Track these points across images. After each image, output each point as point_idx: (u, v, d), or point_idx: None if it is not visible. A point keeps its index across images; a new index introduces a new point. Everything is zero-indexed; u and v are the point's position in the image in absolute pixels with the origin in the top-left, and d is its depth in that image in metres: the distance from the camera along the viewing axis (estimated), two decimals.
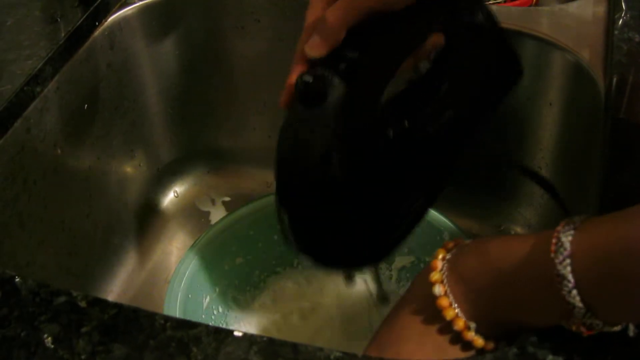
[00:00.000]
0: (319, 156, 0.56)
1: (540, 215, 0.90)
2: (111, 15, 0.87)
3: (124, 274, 0.94)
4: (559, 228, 0.48)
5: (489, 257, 0.54)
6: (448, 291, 0.55)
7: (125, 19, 0.88)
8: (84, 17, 0.83)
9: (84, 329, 0.53)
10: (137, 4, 0.89)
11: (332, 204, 0.58)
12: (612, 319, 0.47)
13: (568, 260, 0.46)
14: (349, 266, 0.66)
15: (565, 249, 0.47)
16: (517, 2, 1.06)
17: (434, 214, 0.81)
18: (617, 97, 0.69)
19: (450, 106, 0.63)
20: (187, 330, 0.53)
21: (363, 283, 0.79)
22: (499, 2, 1.06)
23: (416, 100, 0.63)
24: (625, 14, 0.81)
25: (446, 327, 0.56)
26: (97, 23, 0.85)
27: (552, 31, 0.82)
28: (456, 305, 0.55)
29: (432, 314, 0.56)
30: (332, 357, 0.50)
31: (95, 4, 0.85)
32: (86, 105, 0.84)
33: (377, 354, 0.59)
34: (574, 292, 0.46)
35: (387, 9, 0.56)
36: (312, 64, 0.57)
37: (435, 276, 0.56)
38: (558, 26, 0.82)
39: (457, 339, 0.55)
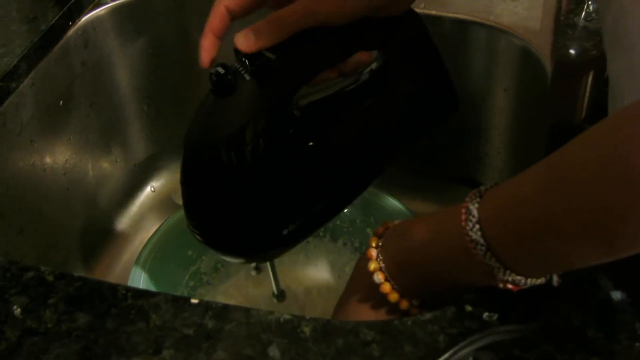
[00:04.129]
0: (221, 143, 0.58)
1: None
2: (84, 15, 0.90)
3: (101, 266, 0.96)
4: (467, 198, 0.52)
5: (412, 236, 0.57)
6: (387, 276, 0.58)
7: (98, 19, 0.91)
8: (58, 16, 0.86)
9: (50, 300, 0.56)
10: (110, 5, 0.92)
11: (229, 192, 0.61)
12: (530, 273, 0.50)
13: (477, 226, 0.50)
14: (239, 256, 0.67)
15: (473, 216, 0.50)
16: None
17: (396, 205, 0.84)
18: (560, 78, 0.73)
19: (368, 122, 0.65)
20: (147, 299, 0.56)
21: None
22: None
23: (336, 110, 0.66)
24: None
25: (394, 308, 0.59)
26: (70, 23, 0.88)
27: (506, 19, 0.85)
28: (397, 287, 0.58)
29: (378, 298, 0.59)
30: (281, 319, 0.54)
31: (69, 5, 0.88)
32: (61, 102, 0.87)
33: None
34: (489, 254, 0.50)
35: (325, 25, 0.59)
36: (236, 52, 0.59)
37: (372, 265, 0.59)
38: (512, 15, 0.86)
39: (407, 315, 0.59)
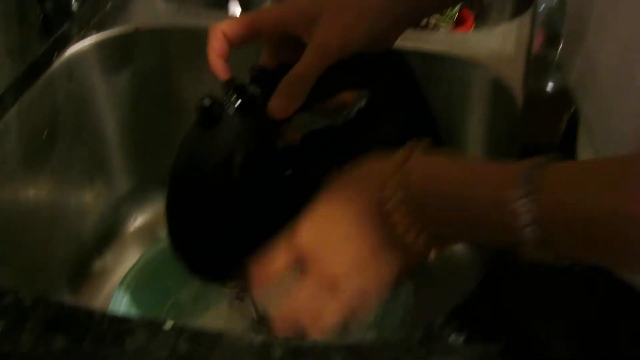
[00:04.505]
0: (205, 173, 0.61)
1: None
2: (69, 47, 0.92)
3: (82, 298, 0.97)
4: (520, 169, 0.48)
5: (442, 184, 0.53)
6: (402, 210, 0.54)
7: (82, 52, 0.93)
8: (43, 49, 0.88)
9: (27, 324, 0.57)
10: (94, 38, 0.94)
11: (213, 219, 0.63)
12: (565, 256, 0.49)
13: (532, 196, 0.47)
14: (221, 280, 0.70)
15: (528, 185, 0.47)
16: (461, 28, 1.13)
17: None
18: (531, 110, 0.75)
19: (352, 158, 0.64)
20: (122, 324, 0.57)
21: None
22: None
23: (321, 145, 0.68)
24: None
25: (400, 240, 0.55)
26: (56, 54, 0.90)
27: (479, 52, 0.88)
28: (410, 222, 0.54)
29: (388, 229, 0.55)
30: (254, 342, 0.55)
31: (55, 36, 0.90)
32: (45, 133, 0.88)
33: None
34: (529, 228, 0.47)
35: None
36: (225, 84, 0.63)
37: (390, 189, 0.55)
38: (485, 48, 0.88)
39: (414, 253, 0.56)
